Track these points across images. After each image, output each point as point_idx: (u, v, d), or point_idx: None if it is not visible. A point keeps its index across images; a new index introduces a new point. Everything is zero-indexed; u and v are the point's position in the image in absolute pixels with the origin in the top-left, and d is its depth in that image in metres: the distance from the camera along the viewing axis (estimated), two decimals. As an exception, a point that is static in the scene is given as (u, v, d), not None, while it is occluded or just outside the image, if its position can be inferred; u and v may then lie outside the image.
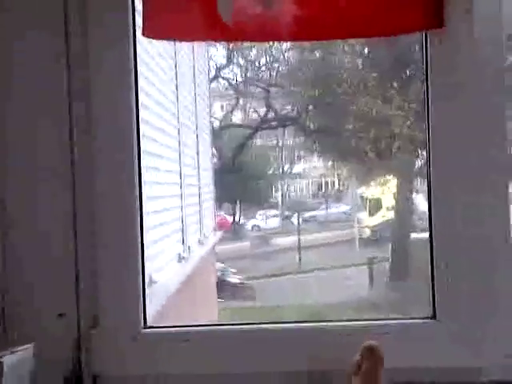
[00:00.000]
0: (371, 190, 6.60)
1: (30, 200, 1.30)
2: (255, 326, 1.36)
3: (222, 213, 7.18)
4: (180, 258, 3.57)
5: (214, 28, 1.24)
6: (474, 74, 1.26)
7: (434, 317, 1.30)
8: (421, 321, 1.32)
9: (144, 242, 1.34)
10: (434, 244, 1.30)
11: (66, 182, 1.29)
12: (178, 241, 3.67)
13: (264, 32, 1.27)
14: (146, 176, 2.82)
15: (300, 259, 6.78)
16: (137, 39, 1.32)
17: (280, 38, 1.46)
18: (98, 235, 1.29)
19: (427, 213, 1.35)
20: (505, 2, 1.26)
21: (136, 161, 1.31)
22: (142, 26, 1.25)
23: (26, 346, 1.16)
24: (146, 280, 1.36)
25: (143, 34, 1.26)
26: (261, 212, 7.38)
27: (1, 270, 1.26)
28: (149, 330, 1.31)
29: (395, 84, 4.91)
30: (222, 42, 4.67)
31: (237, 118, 6.86)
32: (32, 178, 1.30)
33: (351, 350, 1.18)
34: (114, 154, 1.28)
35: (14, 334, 1.24)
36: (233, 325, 1.39)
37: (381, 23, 1.26)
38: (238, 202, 7.15)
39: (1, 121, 1.28)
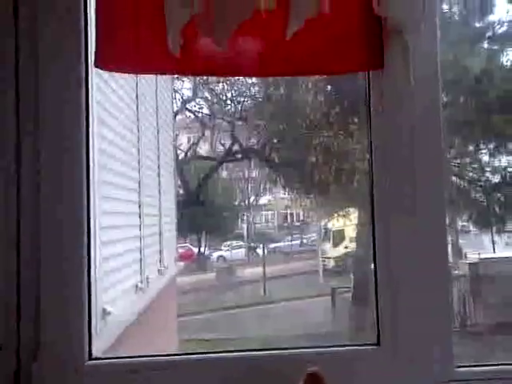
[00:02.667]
0: (335, 222, 6.69)
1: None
2: (205, 355, 1.35)
3: (188, 244, 7.17)
4: (137, 289, 3.53)
5: (164, 61, 1.27)
6: (411, 112, 1.32)
7: (377, 343, 1.33)
8: (365, 347, 1.35)
9: (92, 272, 1.33)
10: (379, 274, 1.34)
11: (10, 210, 1.26)
12: (136, 271, 3.64)
13: (214, 67, 1.31)
14: (103, 206, 2.85)
15: (265, 290, 6.78)
16: (93, 70, 1.34)
17: (230, 74, 1.51)
18: (42, 263, 1.24)
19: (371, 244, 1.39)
20: (441, 44, 1.34)
21: (85, 189, 1.30)
22: (94, 56, 1.27)
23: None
24: (99, 311, 1.34)
25: (95, 65, 1.27)
26: (226, 243, 7.39)
27: None
28: (94, 361, 1.26)
29: (356, 119, 5.04)
30: (176, 75, 4.72)
31: (203, 150, 6.92)
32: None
33: (297, 376, 1.19)
34: (62, 182, 1.27)
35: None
36: (181, 355, 1.39)
37: (325, 62, 1.32)
38: (203, 233, 7.14)
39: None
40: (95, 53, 1.27)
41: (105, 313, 2.47)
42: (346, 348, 1.37)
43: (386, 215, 1.34)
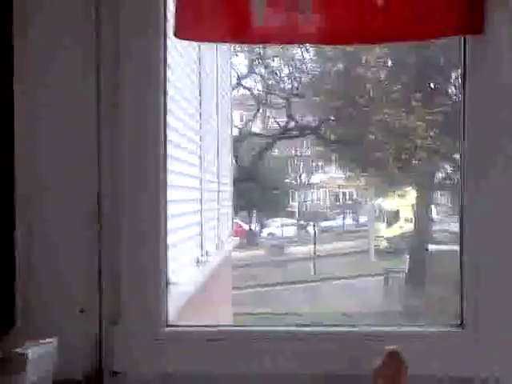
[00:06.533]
0: (389, 202, 6.57)
1: (54, 197, 1.27)
2: (275, 328, 1.37)
3: (238, 220, 7.18)
4: (198, 262, 3.57)
5: (243, 31, 1.24)
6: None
7: (461, 325, 1.28)
8: (447, 329, 1.31)
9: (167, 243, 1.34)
10: (464, 251, 1.28)
11: (91, 179, 1.28)
12: (197, 245, 3.66)
13: (296, 35, 1.26)
14: (170, 180, 2.83)
15: (315, 269, 6.75)
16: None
17: (313, 41, 1.46)
18: (122, 232, 1.27)
19: (458, 223, 1.33)
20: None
21: (162, 164, 1.31)
22: (174, 27, 1.24)
23: (49, 340, 1.13)
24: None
25: (175, 36, 1.25)
26: (277, 220, 7.37)
27: (26, 265, 1.25)
28: (170, 328, 1.30)
29: (418, 95, 4.90)
30: (249, 46, 4.67)
31: (257, 127, 6.86)
32: (59, 175, 1.28)
33: (373, 354, 1.16)
34: (141, 155, 1.29)
35: (35, 329, 1.21)
36: (252, 326, 1.39)
37: (420, 26, 1.24)
38: (254, 210, 7.14)
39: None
40: (175, 24, 1.24)
41: (169, 282, 2.48)
42: (427, 329, 1.34)
43: (476, 198, 1.27)
